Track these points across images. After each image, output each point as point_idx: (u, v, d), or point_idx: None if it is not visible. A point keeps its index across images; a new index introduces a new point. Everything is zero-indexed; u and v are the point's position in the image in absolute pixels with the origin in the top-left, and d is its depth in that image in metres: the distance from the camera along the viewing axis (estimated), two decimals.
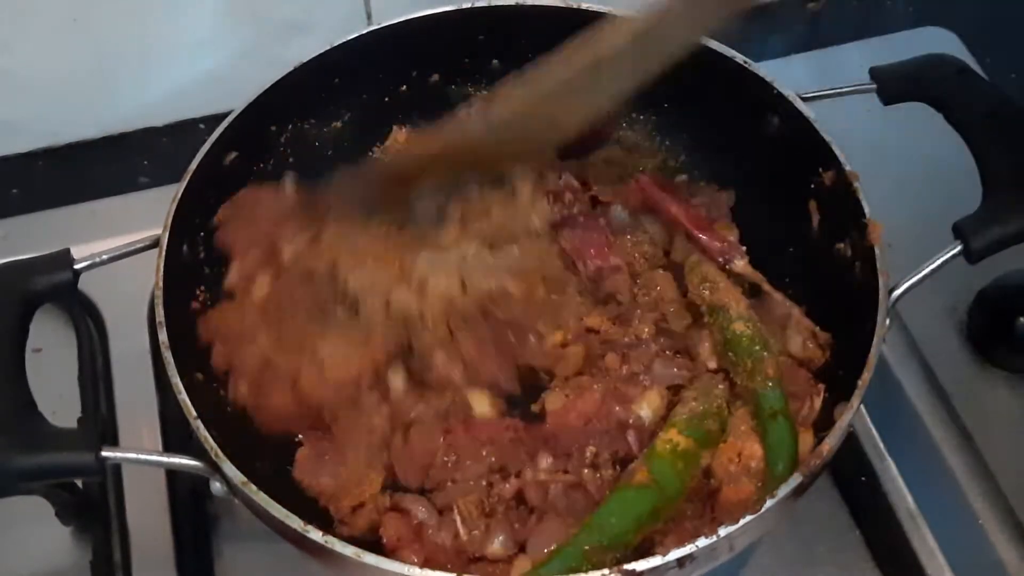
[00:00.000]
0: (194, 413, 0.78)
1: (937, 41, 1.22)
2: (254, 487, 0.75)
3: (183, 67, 1.19)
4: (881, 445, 0.94)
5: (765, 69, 0.95)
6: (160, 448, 0.96)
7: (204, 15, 1.16)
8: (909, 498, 0.92)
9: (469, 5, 1.00)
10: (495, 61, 1.04)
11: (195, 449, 0.80)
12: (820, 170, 0.90)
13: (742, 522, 0.72)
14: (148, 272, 1.01)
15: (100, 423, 0.97)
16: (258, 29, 1.18)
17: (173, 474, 0.94)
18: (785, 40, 1.30)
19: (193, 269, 0.90)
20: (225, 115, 0.93)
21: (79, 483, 0.94)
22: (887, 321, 0.81)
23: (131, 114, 1.23)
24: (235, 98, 1.04)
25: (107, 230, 1.04)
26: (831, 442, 0.76)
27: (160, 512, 0.93)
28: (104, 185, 1.17)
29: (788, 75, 0.95)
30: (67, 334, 1.03)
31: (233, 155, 0.94)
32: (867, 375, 0.78)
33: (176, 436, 0.97)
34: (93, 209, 1.14)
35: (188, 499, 0.94)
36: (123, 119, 1.23)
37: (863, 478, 0.94)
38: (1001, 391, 0.98)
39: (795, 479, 0.75)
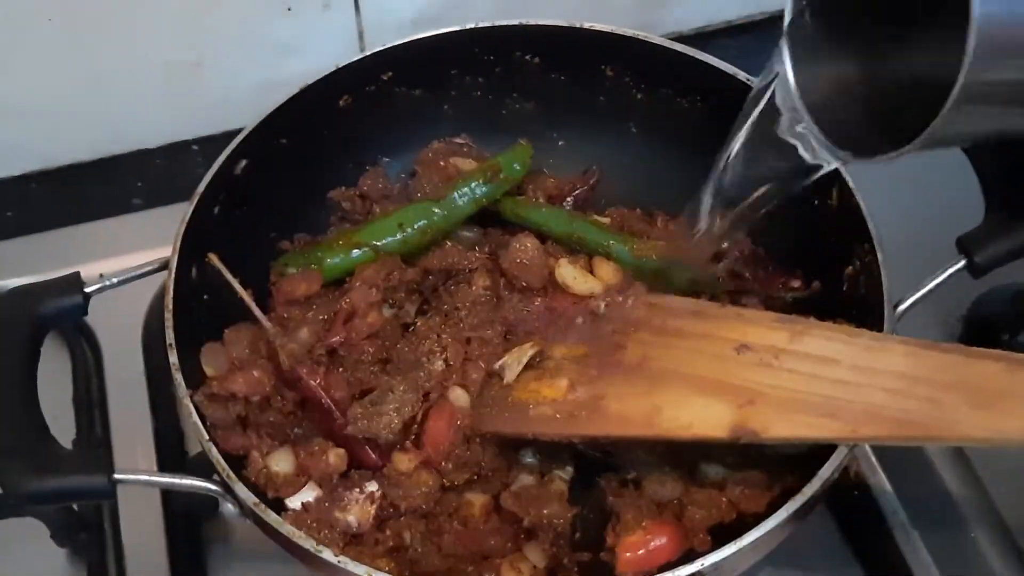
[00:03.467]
0: (206, 435, 0.78)
1: None
2: (264, 507, 0.76)
3: (177, 89, 1.20)
4: (873, 458, 0.95)
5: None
6: (155, 470, 0.96)
7: (196, 37, 1.17)
8: (901, 511, 0.92)
9: (473, 25, 1.01)
10: (501, 81, 1.05)
11: (191, 470, 0.81)
12: (827, 189, 0.91)
13: (743, 543, 0.73)
14: (142, 295, 1.03)
15: (99, 446, 0.97)
16: (251, 52, 1.19)
17: (168, 496, 0.94)
18: None
19: (198, 291, 0.90)
20: (218, 137, 0.94)
21: (75, 504, 0.94)
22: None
23: (124, 136, 1.23)
24: (228, 120, 1.05)
25: (103, 252, 1.05)
26: (833, 464, 0.76)
27: (155, 534, 0.93)
28: (98, 207, 1.18)
29: None
30: (61, 356, 1.04)
31: (243, 163, 0.95)
32: None
33: (171, 457, 0.97)
34: (88, 231, 1.14)
35: (183, 521, 0.95)
36: (116, 141, 1.24)
37: (855, 492, 0.95)
38: None
39: (796, 501, 0.74)
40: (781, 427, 0.73)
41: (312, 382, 0.87)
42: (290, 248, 1.00)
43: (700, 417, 0.76)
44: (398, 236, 0.97)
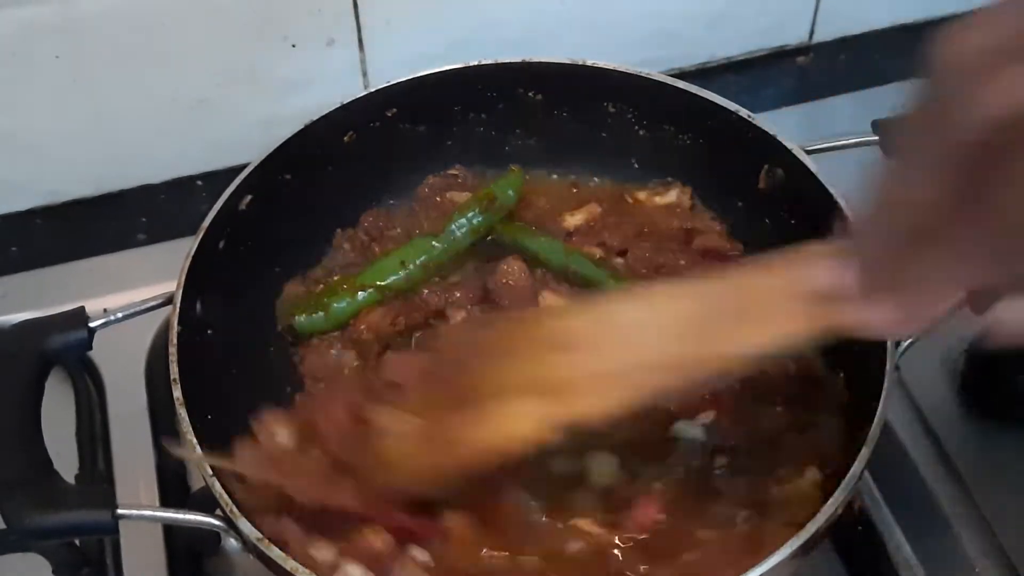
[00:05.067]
0: (210, 471, 0.78)
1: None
2: (268, 543, 0.75)
3: (181, 125, 1.20)
4: (877, 493, 0.95)
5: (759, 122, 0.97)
6: (157, 504, 0.96)
7: (202, 73, 1.18)
8: (906, 547, 0.92)
9: (476, 63, 1.01)
10: (504, 117, 1.06)
11: (194, 505, 0.80)
12: (824, 221, 0.91)
13: None
14: (145, 330, 1.03)
15: (102, 480, 0.97)
16: (255, 87, 1.20)
17: (170, 531, 0.94)
18: (775, 94, 1.32)
19: (202, 326, 0.91)
20: (222, 172, 0.94)
21: (77, 540, 0.93)
22: (895, 372, 0.81)
23: (129, 172, 1.24)
24: (232, 156, 1.06)
25: (107, 287, 1.05)
26: (838, 499, 0.75)
27: (157, 569, 0.92)
28: (102, 242, 1.18)
29: (781, 128, 0.96)
30: (64, 391, 1.04)
31: (248, 198, 0.95)
32: (875, 430, 0.78)
33: (174, 492, 0.97)
34: (92, 267, 1.14)
35: (186, 556, 0.94)
36: (121, 177, 1.24)
37: (859, 527, 0.94)
38: (996, 440, 0.98)
39: (799, 538, 0.74)
40: (585, 407, 0.73)
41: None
42: (296, 288, 1.00)
43: (510, 423, 0.75)
44: (401, 274, 0.98)
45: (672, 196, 1.05)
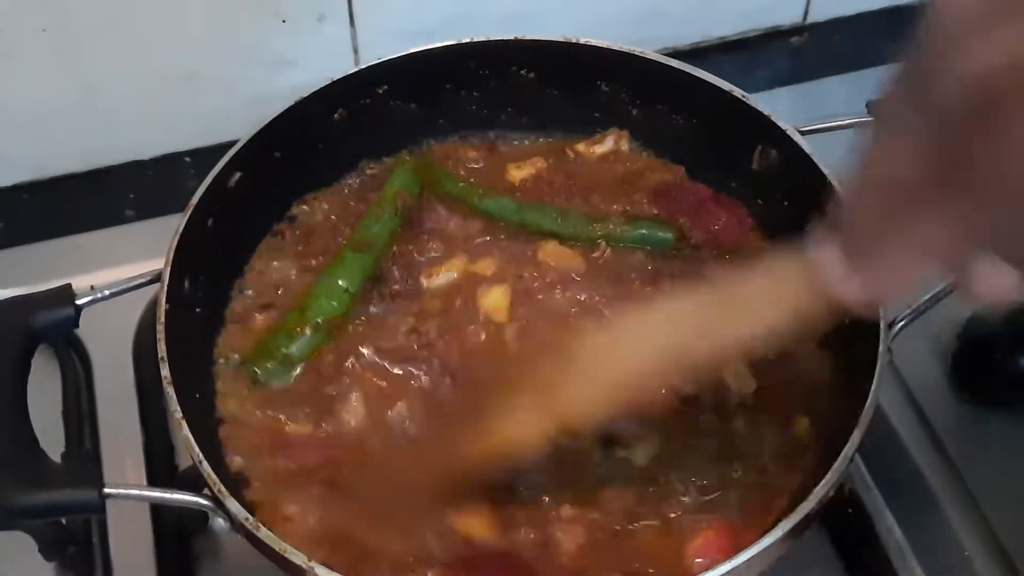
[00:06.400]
0: (198, 451, 0.78)
1: None
2: (256, 522, 0.75)
3: (170, 101, 1.19)
4: (868, 476, 0.94)
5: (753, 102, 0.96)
6: (145, 484, 0.95)
7: (191, 48, 1.16)
8: (896, 530, 0.92)
9: (469, 40, 1.00)
10: (496, 95, 1.05)
11: (182, 484, 0.80)
12: (818, 202, 0.91)
13: (737, 561, 0.72)
14: (131, 308, 1.02)
15: (89, 460, 0.96)
16: (244, 64, 1.18)
17: (157, 511, 0.94)
18: (769, 74, 1.32)
19: (191, 304, 0.90)
20: (210, 149, 0.93)
21: (64, 519, 0.93)
22: (888, 354, 0.81)
23: (117, 147, 1.23)
24: (220, 132, 1.05)
25: (94, 264, 1.04)
26: (829, 481, 0.75)
27: (144, 548, 0.92)
28: (90, 218, 1.17)
29: (775, 108, 0.96)
30: (50, 369, 1.03)
31: (237, 175, 0.94)
32: (867, 413, 0.78)
33: (161, 472, 0.96)
34: (79, 243, 1.14)
35: (172, 536, 0.94)
36: (109, 152, 1.23)
37: (849, 509, 0.94)
38: (987, 423, 0.98)
39: (790, 521, 0.74)
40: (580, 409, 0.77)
41: None
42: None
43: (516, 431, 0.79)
44: (345, 297, 0.94)
45: (609, 144, 1.05)
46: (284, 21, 1.16)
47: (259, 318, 0.95)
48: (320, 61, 1.14)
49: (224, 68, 1.18)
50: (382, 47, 1.01)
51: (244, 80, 1.19)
